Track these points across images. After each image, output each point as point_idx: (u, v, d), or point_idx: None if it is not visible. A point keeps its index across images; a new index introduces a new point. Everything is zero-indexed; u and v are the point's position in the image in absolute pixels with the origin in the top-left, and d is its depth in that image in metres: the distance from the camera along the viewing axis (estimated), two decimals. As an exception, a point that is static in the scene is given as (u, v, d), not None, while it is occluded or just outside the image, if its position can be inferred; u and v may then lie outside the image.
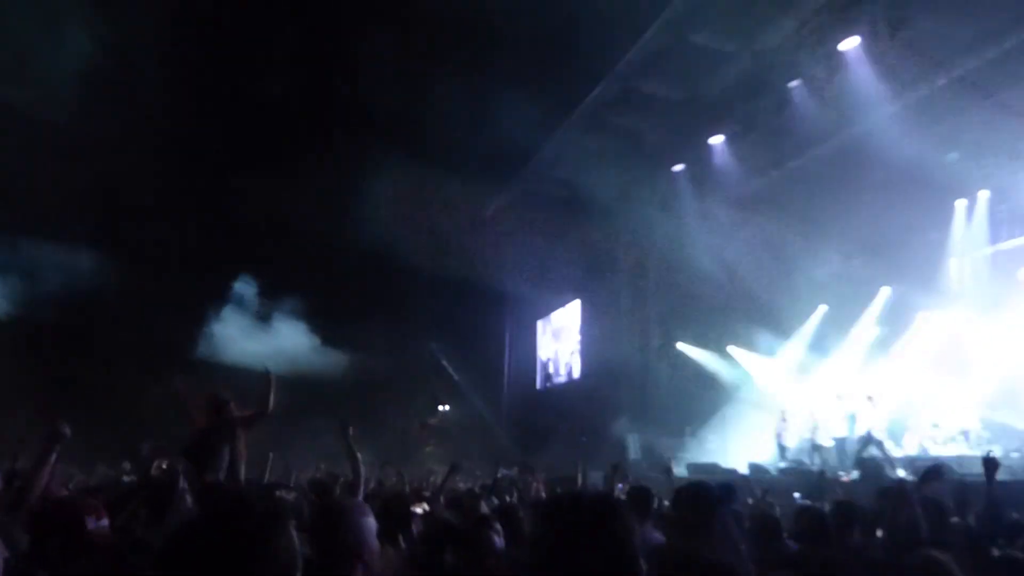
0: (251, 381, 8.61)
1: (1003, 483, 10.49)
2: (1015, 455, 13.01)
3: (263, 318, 18.47)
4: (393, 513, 4.66)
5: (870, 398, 14.80)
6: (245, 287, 18.53)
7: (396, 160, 18.37)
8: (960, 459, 12.61)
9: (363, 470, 5.38)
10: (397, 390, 21.60)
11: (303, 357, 19.21)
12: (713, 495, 3.38)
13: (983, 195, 15.55)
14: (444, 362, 23.72)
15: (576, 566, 1.65)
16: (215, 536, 1.55)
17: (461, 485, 11.11)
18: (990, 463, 5.72)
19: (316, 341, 19.08)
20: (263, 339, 18.58)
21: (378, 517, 4.21)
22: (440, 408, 21.83)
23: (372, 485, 8.54)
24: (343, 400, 18.02)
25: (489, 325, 24.29)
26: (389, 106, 18.76)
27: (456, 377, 23.41)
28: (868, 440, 13.90)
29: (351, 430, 5.29)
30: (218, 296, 18.56)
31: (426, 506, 6.34)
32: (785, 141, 16.54)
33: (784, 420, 16.31)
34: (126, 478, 10.49)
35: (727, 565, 2.51)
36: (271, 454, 8.69)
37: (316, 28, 17.33)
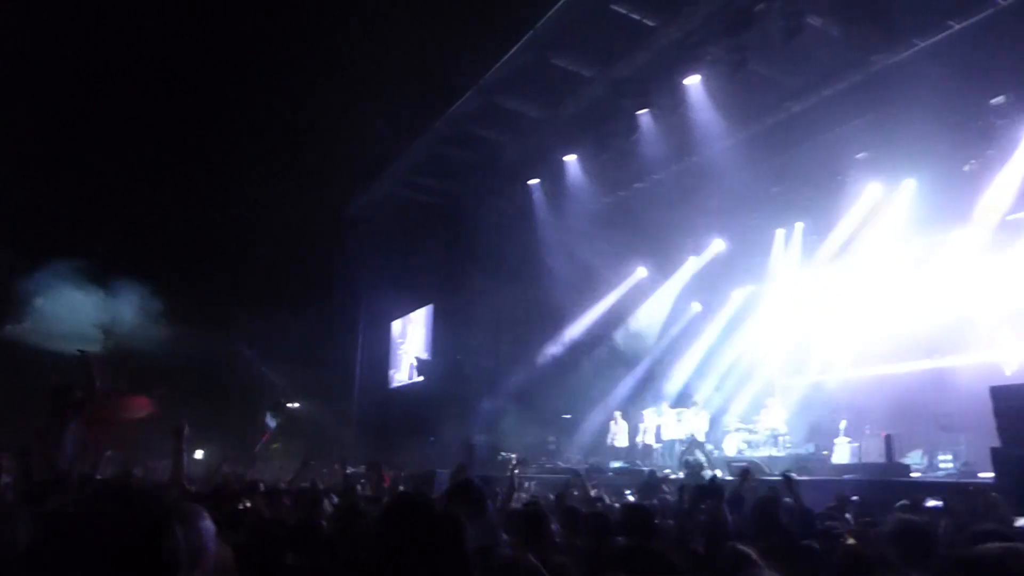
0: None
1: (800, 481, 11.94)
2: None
3: (109, 302, 17.64)
4: (223, 512, 4.70)
5: (695, 402, 16.15)
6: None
7: (259, 152, 18.07)
8: (770, 459, 14.18)
9: (185, 472, 5.26)
10: (249, 385, 21.12)
11: (145, 346, 18.53)
12: (481, 491, 3.89)
13: (799, 226, 17.32)
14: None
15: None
16: (103, 533, 1.50)
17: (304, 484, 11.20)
18: (790, 481, 6.45)
19: (161, 332, 18.42)
20: (103, 324, 17.77)
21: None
22: (289, 405, 21.51)
23: (217, 481, 8.48)
24: (188, 395, 17.51)
25: (343, 323, 24.15)
26: (255, 95, 18.40)
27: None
28: (692, 443, 15.21)
29: (185, 430, 5.24)
30: (52, 275, 17.55)
31: (247, 503, 6.32)
32: (632, 164, 17.73)
33: (616, 423, 17.41)
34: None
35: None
36: (108, 452, 8.51)
37: (181, 13, 16.72)
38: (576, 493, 8.10)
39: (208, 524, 2.27)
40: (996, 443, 9.14)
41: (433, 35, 15.68)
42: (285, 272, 22.05)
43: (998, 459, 9.08)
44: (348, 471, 12.13)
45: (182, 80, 19.04)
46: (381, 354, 25.62)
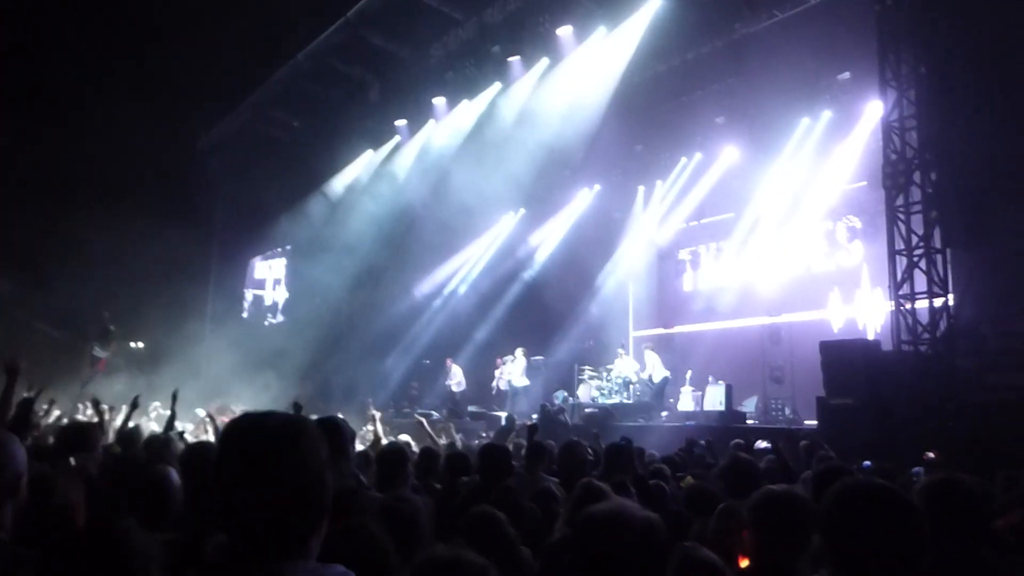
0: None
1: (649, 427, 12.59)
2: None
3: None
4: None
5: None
6: None
7: (102, 75, 16.59)
8: (621, 406, 14.79)
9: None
10: (80, 324, 19.58)
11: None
12: (341, 430, 3.91)
13: (659, 184, 17.86)
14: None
15: (258, 492, 1.49)
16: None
17: (154, 427, 10.66)
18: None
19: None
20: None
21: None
22: (132, 345, 20.24)
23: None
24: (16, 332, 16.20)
25: (193, 259, 22.80)
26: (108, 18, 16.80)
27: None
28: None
29: (23, 364, 4.92)
30: None
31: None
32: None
33: (449, 369, 17.69)
34: None
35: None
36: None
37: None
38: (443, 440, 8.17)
39: (22, 451, 2.22)
40: (822, 393, 9.93)
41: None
42: (134, 206, 20.48)
43: (822, 408, 9.89)
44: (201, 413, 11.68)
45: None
46: (234, 294, 24.60)
